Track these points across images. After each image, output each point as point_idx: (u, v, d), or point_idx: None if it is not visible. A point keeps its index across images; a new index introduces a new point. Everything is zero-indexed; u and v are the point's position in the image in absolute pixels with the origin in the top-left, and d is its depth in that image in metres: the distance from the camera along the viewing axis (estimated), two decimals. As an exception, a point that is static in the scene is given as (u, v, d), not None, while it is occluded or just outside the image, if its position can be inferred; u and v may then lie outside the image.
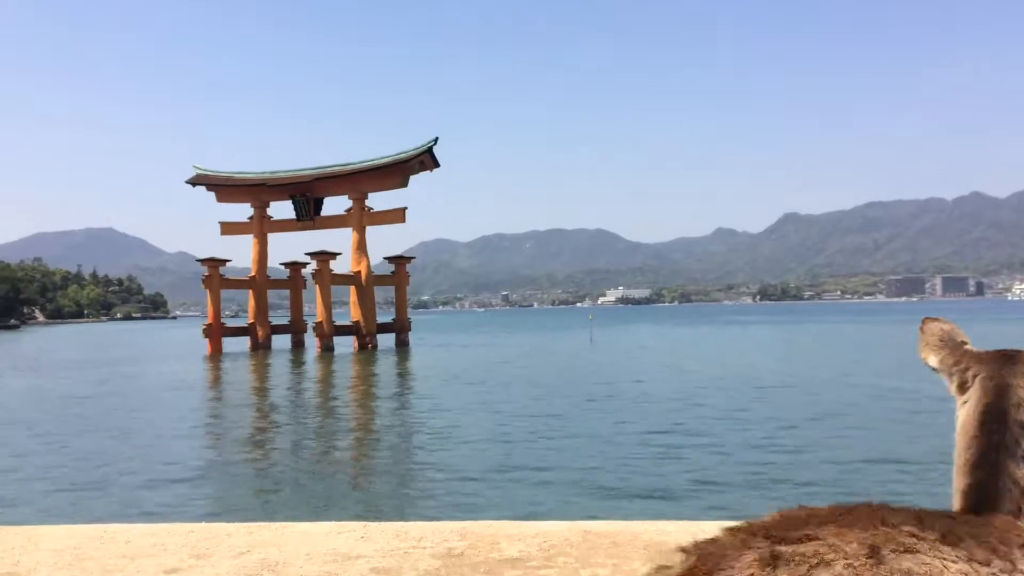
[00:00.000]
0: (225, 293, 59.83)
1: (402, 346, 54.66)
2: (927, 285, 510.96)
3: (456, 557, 4.37)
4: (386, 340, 55.70)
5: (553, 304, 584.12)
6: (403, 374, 35.03)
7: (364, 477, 12.55)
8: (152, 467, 13.55)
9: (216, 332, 54.62)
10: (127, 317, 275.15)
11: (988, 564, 1.07)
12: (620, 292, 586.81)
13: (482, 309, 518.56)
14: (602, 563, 4.20)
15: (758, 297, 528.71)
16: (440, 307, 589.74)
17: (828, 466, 11.87)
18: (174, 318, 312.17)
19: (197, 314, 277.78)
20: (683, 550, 1.21)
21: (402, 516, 7.92)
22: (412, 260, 61.27)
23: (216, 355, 51.15)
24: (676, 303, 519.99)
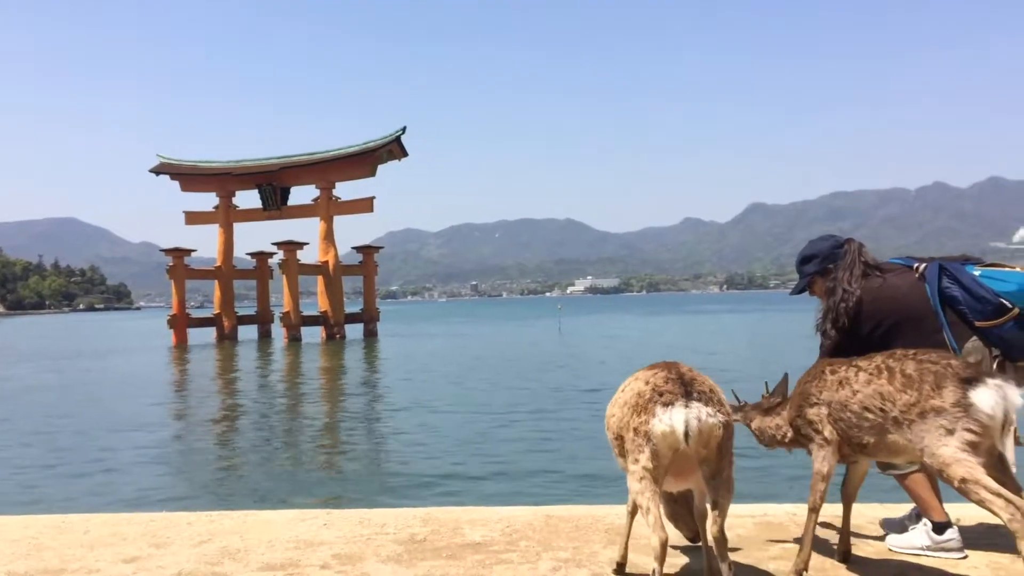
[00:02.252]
0: (190, 283, 58.99)
1: (370, 336, 54.43)
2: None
3: (419, 543, 4.40)
4: (354, 330, 55.44)
5: (523, 294, 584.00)
6: (371, 364, 34.94)
7: (329, 466, 12.53)
8: (113, 457, 13.41)
9: (181, 323, 53.92)
10: (90, 308, 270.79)
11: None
12: (589, 282, 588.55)
13: (444, 299, 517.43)
14: (563, 546, 4.26)
15: (725, 286, 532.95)
16: (409, 297, 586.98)
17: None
18: (138, 309, 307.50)
19: (162, 305, 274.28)
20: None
21: (366, 503, 7.92)
22: (380, 250, 60.87)
23: (181, 346, 50.60)
24: (644, 292, 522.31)
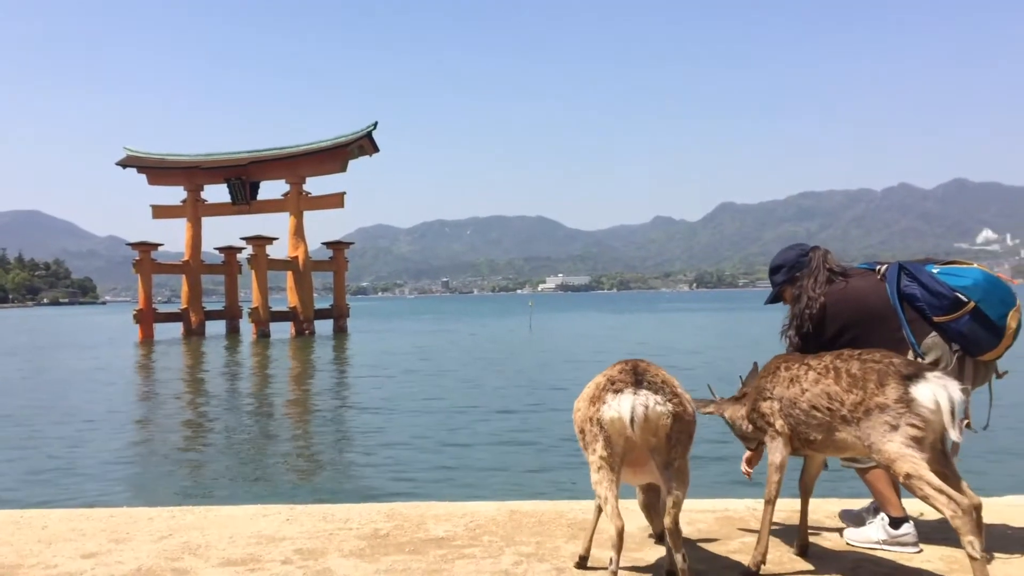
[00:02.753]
0: (157, 278, 58.28)
1: (340, 332, 54.19)
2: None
3: (382, 538, 4.40)
4: (324, 326, 55.11)
5: (493, 291, 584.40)
6: (340, 360, 34.77)
7: (294, 462, 12.46)
8: (73, 453, 13.23)
9: (147, 318, 53.21)
10: (55, 302, 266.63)
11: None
12: (560, 279, 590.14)
13: (412, 295, 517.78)
14: (526, 541, 4.28)
15: (694, 284, 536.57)
16: (380, 293, 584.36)
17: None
18: (104, 303, 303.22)
19: (128, 299, 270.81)
20: None
21: (330, 499, 7.89)
22: (351, 246, 60.57)
23: (147, 341, 49.96)
24: (615, 290, 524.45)
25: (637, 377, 3.31)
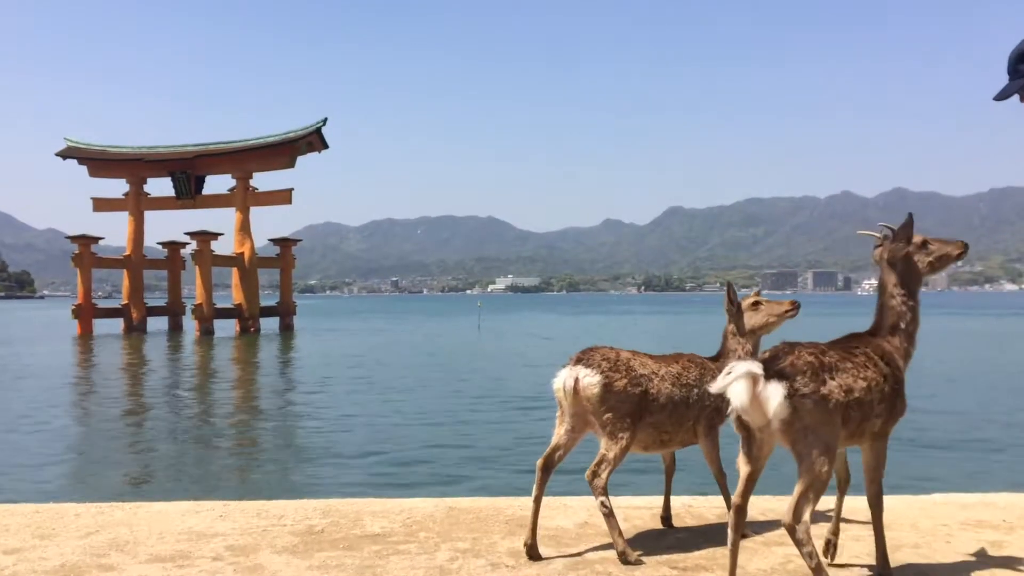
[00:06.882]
0: (99, 273, 56.83)
1: (286, 330, 53.54)
2: (800, 279, 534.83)
3: (316, 534, 4.34)
4: (270, 324, 54.40)
5: (443, 291, 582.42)
6: (284, 359, 34.33)
7: (231, 459, 12.28)
8: (1, 449, 12.83)
9: (87, 313, 52.02)
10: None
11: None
12: (510, 280, 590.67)
13: (361, 294, 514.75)
14: (463, 537, 4.26)
15: (642, 288, 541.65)
16: (328, 292, 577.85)
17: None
18: (42, 298, 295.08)
19: (67, 294, 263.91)
20: None
21: (267, 496, 7.78)
22: (299, 243, 59.84)
23: (86, 337, 48.78)
24: (564, 292, 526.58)
25: (579, 355, 3.97)
